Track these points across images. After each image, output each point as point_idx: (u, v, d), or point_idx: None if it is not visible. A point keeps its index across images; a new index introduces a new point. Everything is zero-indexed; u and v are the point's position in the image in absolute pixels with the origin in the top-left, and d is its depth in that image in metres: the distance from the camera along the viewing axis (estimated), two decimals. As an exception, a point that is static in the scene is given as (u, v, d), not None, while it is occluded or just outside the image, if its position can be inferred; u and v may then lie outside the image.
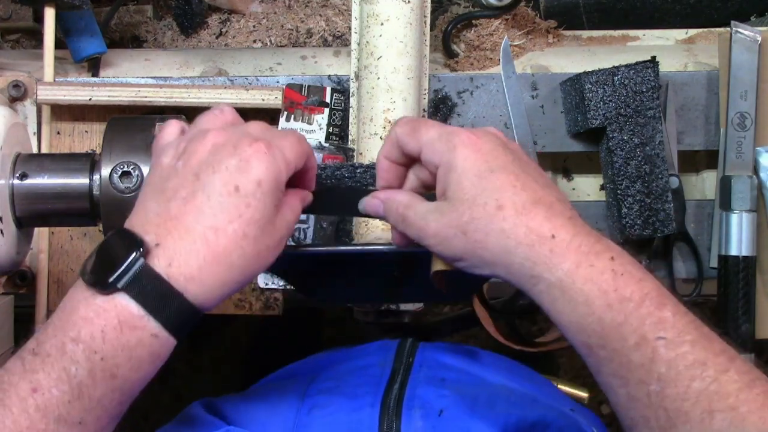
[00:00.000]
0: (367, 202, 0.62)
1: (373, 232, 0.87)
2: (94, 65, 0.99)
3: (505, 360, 0.80)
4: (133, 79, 0.98)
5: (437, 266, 0.58)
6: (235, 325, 1.70)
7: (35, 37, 1.24)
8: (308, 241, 0.94)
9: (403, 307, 0.91)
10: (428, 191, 0.60)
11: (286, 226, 0.56)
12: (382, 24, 0.86)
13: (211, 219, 0.52)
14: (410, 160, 0.60)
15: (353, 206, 0.63)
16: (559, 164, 1.03)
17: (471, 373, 0.73)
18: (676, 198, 0.93)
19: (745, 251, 0.91)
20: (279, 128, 0.94)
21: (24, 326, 0.91)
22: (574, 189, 1.03)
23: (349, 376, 0.71)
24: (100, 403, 0.50)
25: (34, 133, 0.95)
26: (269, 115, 0.94)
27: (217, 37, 1.24)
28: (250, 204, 0.52)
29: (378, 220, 0.85)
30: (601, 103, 0.91)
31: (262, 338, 1.61)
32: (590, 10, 1.16)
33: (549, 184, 0.56)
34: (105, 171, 0.68)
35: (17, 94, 0.94)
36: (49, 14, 0.92)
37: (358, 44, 0.89)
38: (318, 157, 0.93)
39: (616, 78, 0.91)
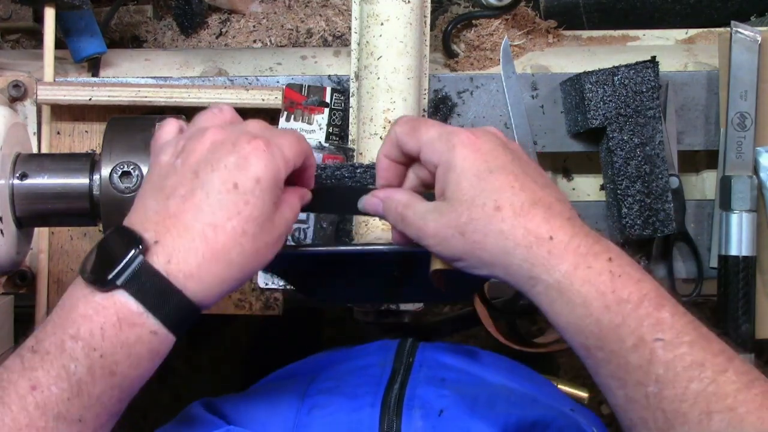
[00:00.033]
0: (366, 201, 0.62)
1: (373, 232, 0.87)
2: (94, 65, 0.99)
3: (505, 360, 0.80)
4: (133, 79, 0.98)
5: (436, 265, 0.58)
6: (235, 325, 1.70)
7: (35, 37, 1.24)
8: (308, 241, 0.94)
9: (403, 307, 0.91)
10: (428, 190, 0.60)
11: (285, 223, 0.56)
12: (382, 24, 0.86)
13: (210, 216, 0.52)
14: (410, 159, 0.60)
15: (353, 205, 0.63)
16: (559, 164, 1.03)
17: (471, 373, 0.73)
18: (676, 198, 0.93)
19: (745, 251, 0.91)
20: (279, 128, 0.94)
21: (24, 326, 0.91)
22: (574, 189, 1.03)
23: (349, 376, 0.72)
24: (99, 400, 0.50)
25: (34, 133, 0.95)
26: (269, 115, 0.94)
27: (217, 37, 1.24)
28: (249, 201, 0.52)
29: (378, 220, 0.86)
30: (601, 103, 0.91)
31: (262, 338, 1.61)
32: (590, 10, 1.16)
33: (548, 184, 0.56)
34: (105, 171, 0.68)
35: (17, 94, 0.94)
36: (49, 14, 0.92)
37: (358, 44, 0.89)
38: (318, 157, 0.93)
39: (616, 78, 0.91)
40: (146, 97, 0.91)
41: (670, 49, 1.05)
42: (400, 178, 0.61)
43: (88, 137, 0.96)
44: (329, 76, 0.98)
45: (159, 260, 0.51)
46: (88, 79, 0.98)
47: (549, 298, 0.52)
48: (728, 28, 0.94)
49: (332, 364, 0.76)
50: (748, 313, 0.91)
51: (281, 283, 0.95)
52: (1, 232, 0.69)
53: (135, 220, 0.53)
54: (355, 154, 0.91)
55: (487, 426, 0.62)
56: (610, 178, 0.93)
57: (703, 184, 1.01)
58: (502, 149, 0.56)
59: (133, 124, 0.72)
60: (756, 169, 0.93)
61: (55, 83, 0.93)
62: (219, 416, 0.65)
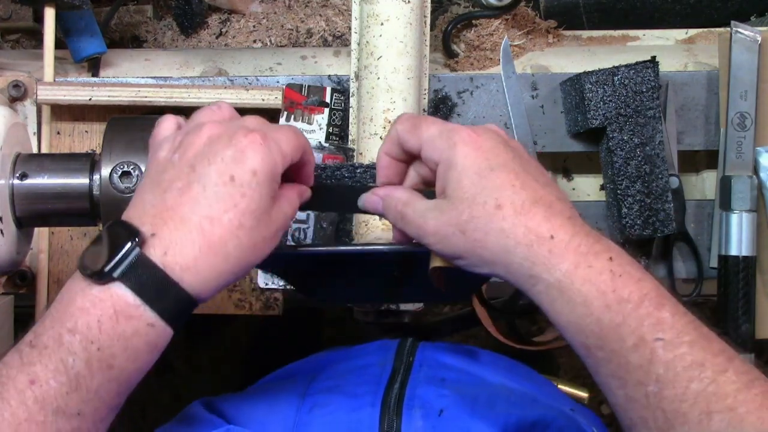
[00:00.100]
0: (366, 199, 0.62)
1: (373, 232, 0.87)
2: (94, 65, 0.99)
3: (505, 360, 0.80)
4: (133, 79, 0.98)
5: (436, 263, 0.58)
6: (235, 325, 1.70)
7: (35, 37, 1.24)
8: (308, 241, 0.94)
9: (403, 307, 0.91)
10: (429, 188, 0.60)
11: (284, 218, 0.56)
12: (382, 24, 0.86)
13: (207, 209, 0.52)
14: (411, 157, 0.60)
15: (353, 203, 0.63)
16: (559, 164, 1.03)
17: (471, 372, 0.73)
18: (676, 198, 0.93)
19: (745, 251, 0.91)
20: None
21: (24, 326, 0.90)
22: (574, 189, 1.03)
23: (350, 376, 0.72)
24: (97, 394, 0.50)
25: (34, 133, 0.95)
26: (269, 115, 0.94)
27: (217, 37, 1.24)
28: (246, 194, 0.52)
29: (378, 220, 0.86)
30: (601, 103, 0.91)
31: (262, 338, 1.61)
32: (590, 10, 1.16)
33: (549, 182, 0.56)
34: (105, 171, 0.68)
35: (17, 94, 0.94)
36: (49, 14, 0.92)
37: (358, 44, 0.89)
38: (318, 157, 0.93)
39: (616, 78, 0.91)
40: (146, 97, 0.91)
41: (670, 49, 1.05)
42: (400, 176, 0.61)
43: (88, 137, 0.96)
44: (329, 76, 0.98)
45: (156, 252, 0.51)
46: (88, 79, 0.98)
47: (549, 297, 0.52)
48: (728, 28, 0.94)
49: (332, 364, 0.76)
50: (748, 313, 0.91)
51: (281, 283, 0.95)
52: (1, 232, 0.69)
53: (133, 214, 0.53)
54: (355, 154, 0.91)
55: (487, 426, 0.62)
56: (610, 178, 0.93)
57: (703, 184, 1.01)
58: (503, 147, 0.56)
59: (133, 124, 0.72)
60: (756, 169, 0.93)
61: (55, 83, 0.93)
62: (219, 415, 0.65)
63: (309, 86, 0.96)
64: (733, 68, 0.93)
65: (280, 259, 0.60)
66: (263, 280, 0.95)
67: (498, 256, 0.53)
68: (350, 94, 0.92)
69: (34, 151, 0.93)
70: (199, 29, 1.25)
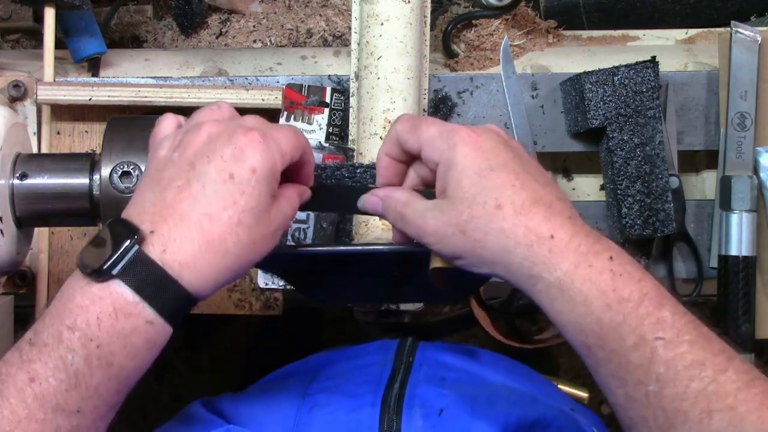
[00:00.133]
0: (366, 199, 0.62)
1: (373, 232, 0.87)
2: (94, 65, 0.99)
3: (504, 359, 0.80)
4: (133, 79, 0.98)
5: (436, 263, 0.58)
6: (235, 325, 1.70)
7: (35, 37, 1.24)
8: (308, 241, 0.94)
9: (403, 307, 0.91)
10: (429, 188, 0.60)
11: (283, 217, 0.56)
12: (382, 24, 0.86)
13: (206, 206, 0.52)
14: (411, 158, 0.60)
15: (353, 204, 0.63)
16: (559, 164, 1.03)
17: (471, 372, 0.73)
18: (676, 198, 0.93)
19: (745, 251, 0.91)
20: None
21: (24, 326, 0.90)
22: (574, 189, 1.03)
23: (350, 375, 0.72)
24: (97, 391, 0.50)
25: (34, 133, 0.95)
26: (269, 115, 0.94)
27: (217, 37, 1.24)
28: (245, 191, 0.52)
29: (378, 220, 0.86)
30: (601, 103, 0.91)
31: (262, 338, 1.61)
32: (590, 10, 1.16)
33: (549, 182, 0.56)
34: (105, 171, 0.68)
35: (17, 94, 0.94)
36: (49, 14, 0.92)
37: (358, 44, 0.89)
38: (318, 157, 0.93)
39: (616, 78, 0.91)
40: (146, 97, 0.91)
41: (670, 49, 1.05)
42: (400, 176, 0.61)
43: (88, 137, 0.96)
44: (329, 76, 0.98)
45: (154, 250, 0.51)
46: (88, 79, 0.98)
47: (550, 296, 0.52)
48: (728, 28, 0.94)
49: (332, 364, 0.76)
50: (748, 313, 0.91)
51: (281, 283, 0.95)
52: (1, 232, 0.69)
53: (132, 212, 0.54)
54: (355, 154, 0.91)
55: (487, 425, 0.62)
56: (610, 178, 0.93)
57: (703, 184, 1.01)
58: (503, 147, 0.56)
59: (133, 124, 0.72)
60: (756, 169, 0.93)
61: (55, 83, 0.93)
62: (219, 415, 0.65)
63: (309, 86, 0.96)
64: (733, 68, 0.93)
65: (280, 259, 0.60)
66: (263, 280, 0.95)
67: (498, 256, 0.53)
68: (350, 94, 0.92)
69: (34, 151, 0.93)
70: (199, 29, 1.25)
